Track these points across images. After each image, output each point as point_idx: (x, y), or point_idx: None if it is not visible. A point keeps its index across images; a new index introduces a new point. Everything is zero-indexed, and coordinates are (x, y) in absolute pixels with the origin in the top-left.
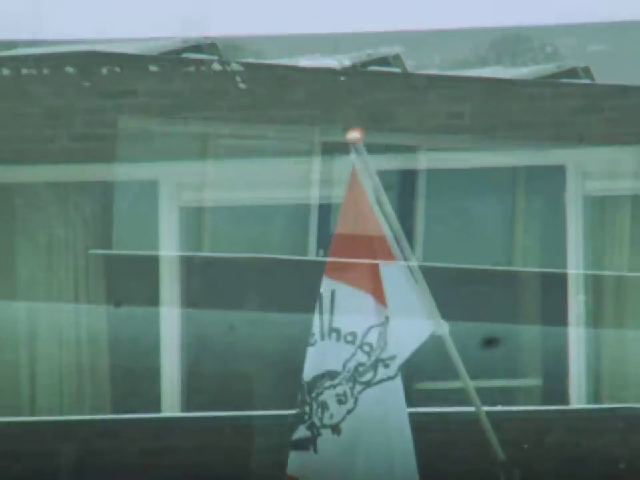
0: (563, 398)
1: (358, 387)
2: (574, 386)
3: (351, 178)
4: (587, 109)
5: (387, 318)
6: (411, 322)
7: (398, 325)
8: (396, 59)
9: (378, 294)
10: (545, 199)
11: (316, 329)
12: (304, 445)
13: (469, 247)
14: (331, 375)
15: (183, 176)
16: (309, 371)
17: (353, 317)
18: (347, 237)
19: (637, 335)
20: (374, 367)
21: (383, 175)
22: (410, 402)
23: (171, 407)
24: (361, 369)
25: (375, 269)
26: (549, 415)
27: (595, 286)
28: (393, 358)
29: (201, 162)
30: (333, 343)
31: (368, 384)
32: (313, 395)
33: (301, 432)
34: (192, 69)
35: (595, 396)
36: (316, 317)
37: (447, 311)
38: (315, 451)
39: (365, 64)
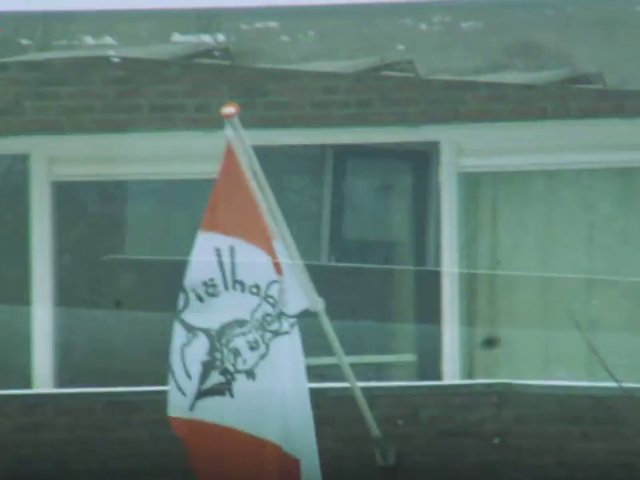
0: (437, 373)
1: (268, 335)
2: (447, 361)
3: (226, 153)
4: (461, 85)
5: (282, 278)
6: (294, 293)
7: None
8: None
9: (273, 255)
10: (418, 176)
11: (218, 280)
12: (218, 390)
13: (348, 222)
14: (240, 323)
15: (55, 150)
16: (216, 319)
17: (256, 270)
18: (223, 211)
19: (509, 314)
20: (279, 318)
21: (256, 150)
22: None
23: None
24: (268, 318)
25: (267, 232)
26: (424, 391)
27: (468, 262)
28: (292, 315)
29: (75, 135)
30: (238, 293)
31: (276, 333)
32: (223, 341)
33: (214, 378)
34: (64, 41)
35: (469, 371)
36: (216, 270)
37: (321, 286)
38: (231, 395)
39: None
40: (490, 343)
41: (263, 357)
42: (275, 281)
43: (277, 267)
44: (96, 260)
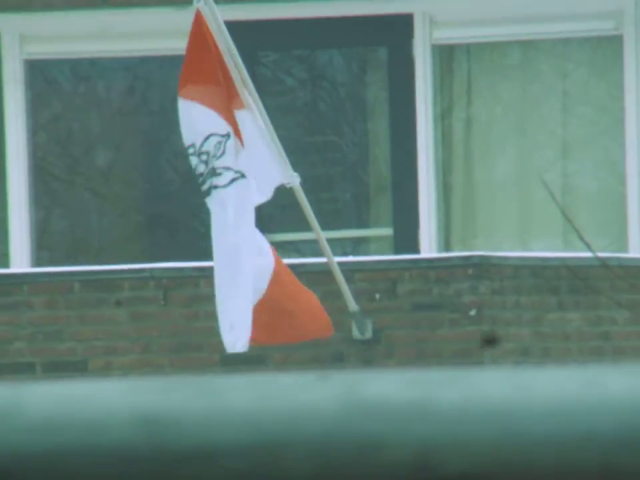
0: (415, 246)
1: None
2: (424, 235)
3: (195, 22)
4: None
5: (229, 134)
6: (264, 167)
7: (253, 167)
8: None
9: (227, 115)
10: (392, 48)
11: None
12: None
13: (321, 97)
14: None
15: (27, 27)
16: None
17: (194, 128)
18: (194, 75)
19: (485, 185)
20: (211, 175)
21: (228, 25)
22: None
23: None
24: (200, 179)
25: (228, 103)
26: (401, 265)
27: (444, 135)
28: (228, 169)
29: (46, 13)
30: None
31: (207, 193)
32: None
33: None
34: None
35: (445, 244)
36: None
37: (297, 160)
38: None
39: None
40: (490, 342)
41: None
42: (212, 135)
43: (239, 138)
44: (71, 138)
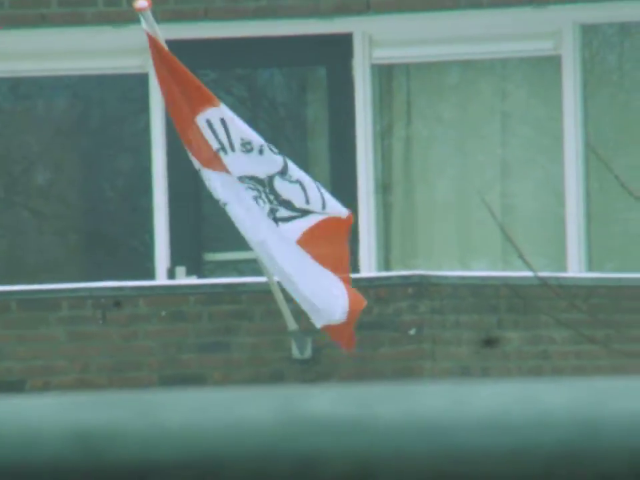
0: (355, 265)
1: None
2: (364, 253)
3: (151, 45)
4: None
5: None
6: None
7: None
8: None
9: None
10: (331, 68)
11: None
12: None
13: (261, 116)
14: (281, 173)
15: None
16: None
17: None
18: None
19: (425, 204)
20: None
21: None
22: (201, 273)
23: None
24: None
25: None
26: None
27: (383, 155)
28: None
29: None
30: (253, 152)
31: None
32: (269, 199)
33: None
34: None
35: (385, 263)
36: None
37: None
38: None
39: None
40: (490, 342)
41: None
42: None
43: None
44: (10, 157)
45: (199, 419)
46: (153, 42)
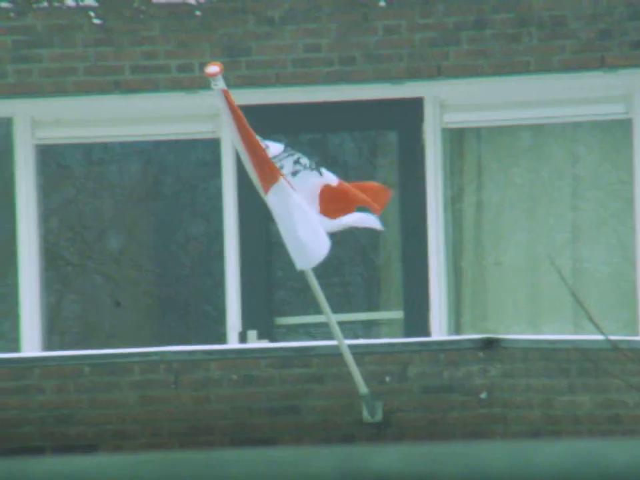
0: (426, 329)
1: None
2: (435, 317)
3: (227, 103)
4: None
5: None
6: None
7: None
8: None
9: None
10: (402, 132)
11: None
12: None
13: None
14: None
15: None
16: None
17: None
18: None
19: (496, 268)
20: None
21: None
22: (272, 337)
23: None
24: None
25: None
26: (411, 347)
27: (454, 219)
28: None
29: (57, 98)
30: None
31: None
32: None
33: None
34: (44, 4)
35: (455, 327)
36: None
37: None
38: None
39: None
40: (490, 343)
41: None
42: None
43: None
44: (83, 223)
45: (264, 475)
46: (229, 99)
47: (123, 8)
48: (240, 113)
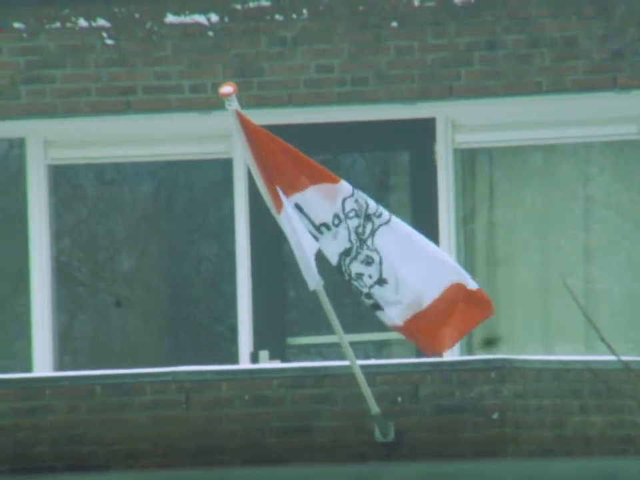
0: None
1: (369, 241)
2: None
3: (241, 122)
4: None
5: (353, 190)
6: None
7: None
8: None
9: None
10: (414, 152)
11: (309, 232)
12: (378, 308)
13: None
14: (347, 252)
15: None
16: (333, 258)
17: (323, 206)
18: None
19: (508, 288)
20: (368, 219)
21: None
22: (284, 357)
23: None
24: (360, 229)
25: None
26: (423, 368)
27: (466, 239)
28: (380, 213)
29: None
30: (327, 233)
31: (373, 233)
32: (347, 275)
33: (367, 303)
34: (57, 25)
35: (467, 347)
36: (300, 227)
37: (321, 265)
38: (382, 308)
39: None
40: (490, 342)
41: (380, 262)
42: (346, 198)
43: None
44: (95, 243)
45: None
46: (243, 119)
47: (135, 28)
48: (261, 132)
